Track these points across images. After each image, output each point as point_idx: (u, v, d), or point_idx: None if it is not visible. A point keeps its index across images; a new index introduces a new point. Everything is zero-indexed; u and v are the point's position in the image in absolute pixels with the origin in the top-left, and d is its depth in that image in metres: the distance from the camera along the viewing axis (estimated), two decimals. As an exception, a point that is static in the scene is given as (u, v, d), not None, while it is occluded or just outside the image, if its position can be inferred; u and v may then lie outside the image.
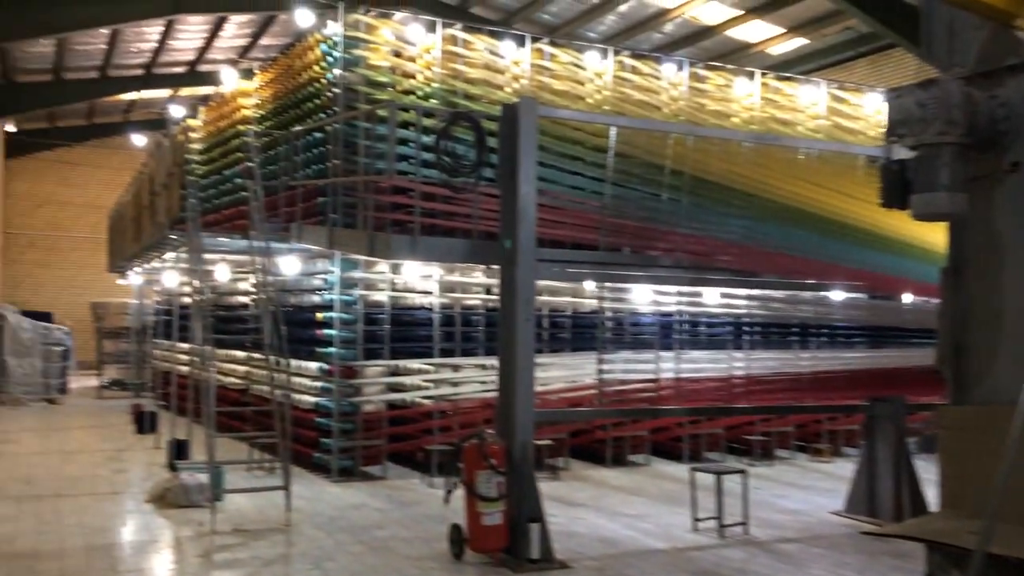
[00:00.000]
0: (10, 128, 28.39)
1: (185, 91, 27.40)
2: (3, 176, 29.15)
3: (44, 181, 31.22)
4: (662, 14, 19.08)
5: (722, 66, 13.64)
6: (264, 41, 22.63)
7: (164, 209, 12.06)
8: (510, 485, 7.81)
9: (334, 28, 11.65)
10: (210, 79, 24.49)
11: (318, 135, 11.71)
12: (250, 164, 11.21)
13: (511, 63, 11.91)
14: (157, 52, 23.43)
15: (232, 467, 10.50)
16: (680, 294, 9.33)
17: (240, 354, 14.96)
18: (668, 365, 8.88)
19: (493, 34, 12.23)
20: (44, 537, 8.53)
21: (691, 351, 9.67)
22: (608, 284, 9.32)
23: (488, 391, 12.22)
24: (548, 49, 12.14)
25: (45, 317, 23.13)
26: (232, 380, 14.78)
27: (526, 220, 8.04)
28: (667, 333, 9.26)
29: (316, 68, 12.03)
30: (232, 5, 19.36)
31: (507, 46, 12.08)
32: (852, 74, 18.92)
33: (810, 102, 13.84)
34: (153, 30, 21.56)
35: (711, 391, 9.17)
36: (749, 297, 9.47)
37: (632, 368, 9.14)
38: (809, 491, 11.58)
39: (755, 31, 19.38)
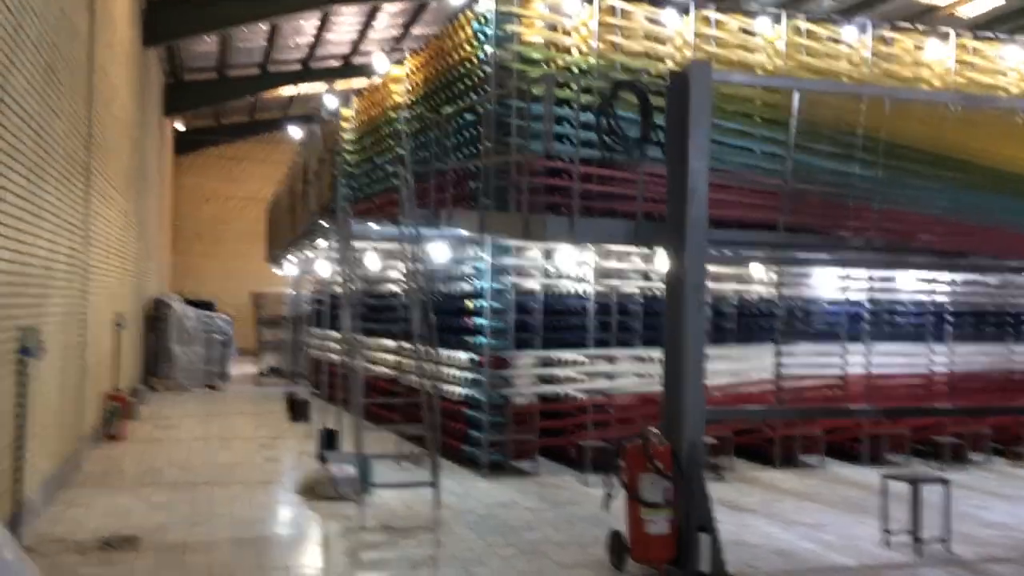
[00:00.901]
0: (179, 126, 29.71)
1: (340, 84, 27.84)
2: (173, 171, 30.55)
3: (210, 176, 32.54)
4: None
5: (911, 27, 12.27)
6: (416, 31, 22.54)
7: (315, 197, 11.92)
8: (677, 490, 7.04)
9: (486, 4, 11.13)
10: (364, 71, 24.75)
11: (469, 117, 11.25)
12: (400, 151, 10.88)
13: (674, 33, 11.05)
14: (314, 46, 23.79)
15: (381, 459, 10.19)
16: (871, 279, 8.22)
17: (390, 343, 14.79)
18: (856, 359, 7.81)
19: (654, 2, 11.39)
20: (195, 528, 8.41)
21: (882, 344, 8.52)
22: (787, 268, 8.38)
23: (647, 385, 11.48)
24: (714, 15, 11.20)
25: (208, 306, 23.94)
26: (382, 370, 14.60)
27: (697, 198, 7.22)
28: (854, 323, 8.19)
29: (467, 47, 11.56)
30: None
31: (669, 14, 11.22)
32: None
33: (1017, 63, 12.25)
34: (309, 24, 21.84)
35: (906, 389, 8.05)
36: (953, 282, 8.25)
37: (813, 362, 8.11)
38: (1014, 502, 10.21)
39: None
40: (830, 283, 8.35)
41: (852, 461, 12.56)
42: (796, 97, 7.57)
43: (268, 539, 8.19)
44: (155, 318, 21.38)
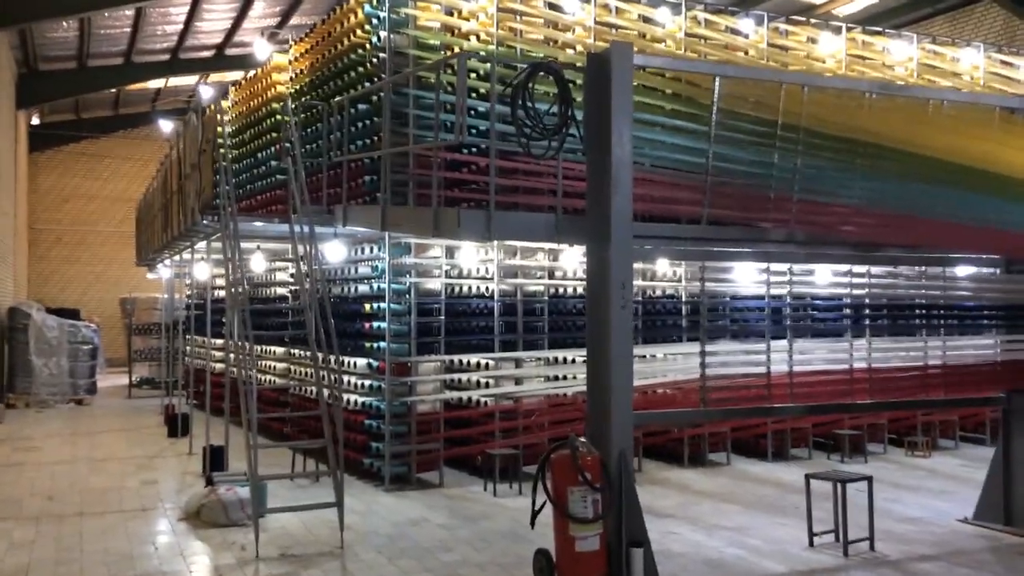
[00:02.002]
0: (35, 120, 27.52)
1: (214, 76, 26.38)
2: (28, 171, 28.29)
3: (70, 175, 30.34)
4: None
5: (806, 20, 12.28)
6: (295, 20, 21.44)
7: (194, 193, 10.90)
8: (608, 503, 6.57)
9: (378, -15, 10.43)
10: (239, 63, 23.48)
11: (363, 107, 10.50)
12: (287, 143, 10.05)
13: (575, 20, 10.61)
14: (183, 35, 22.34)
15: (276, 479, 9.37)
16: (791, 273, 7.98)
17: (278, 350, 13.87)
18: (777, 356, 7.56)
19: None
20: (63, 568, 7.40)
21: (803, 340, 8.31)
22: (710, 263, 8.04)
23: (554, 388, 11.02)
24: (615, 3, 10.81)
25: (72, 314, 22.17)
26: (270, 378, 13.66)
27: (621, 190, 6.75)
28: (775, 319, 7.95)
29: (359, 32, 10.80)
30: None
31: (570, 2, 10.77)
32: (928, 33, 17.42)
33: (904, 57, 12.43)
34: (179, 10, 20.46)
35: (828, 386, 7.84)
36: (869, 275, 8.11)
37: (733, 361, 7.82)
38: (920, 493, 10.25)
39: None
40: (749, 278, 8.06)
41: (758, 457, 12.51)
42: (717, 83, 7.22)
43: (151, 577, 7.27)
44: (11, 328, 19.61)
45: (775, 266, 7.75)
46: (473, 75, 9.61)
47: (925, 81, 12.41)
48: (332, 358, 8.83)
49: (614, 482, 6.68)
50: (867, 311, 8.46)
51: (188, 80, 26.78)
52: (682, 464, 11.78)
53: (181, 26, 21.65)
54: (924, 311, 8.55)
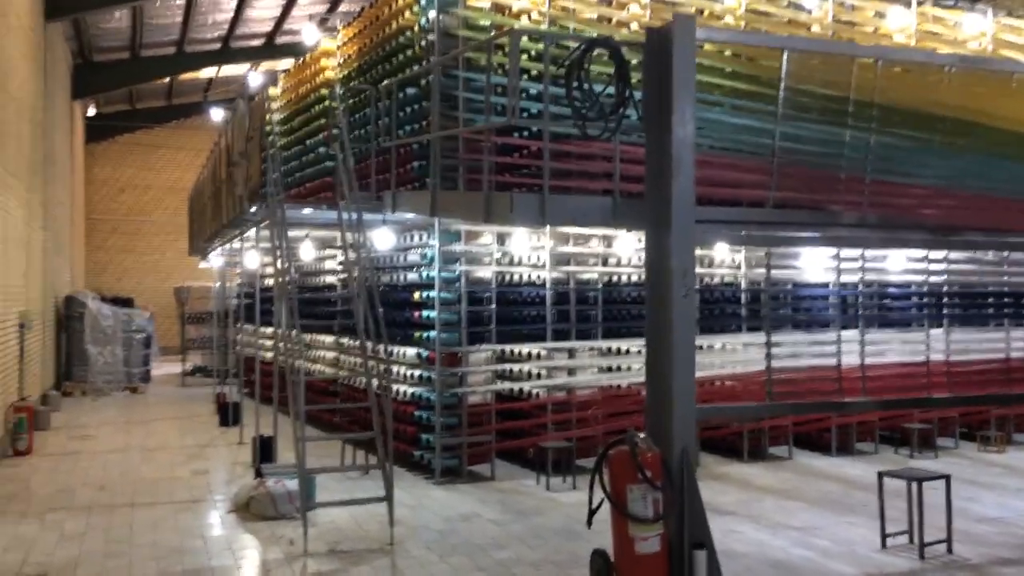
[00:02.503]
0: (91, 112, 27.85)
1: (264, 65, 26.41)
2: (84, 161, 28.68)
3: (125, 165, 30.70)
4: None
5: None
6: (344, 7, 21.29)
7: (243, 182, 10.75)
8: (669, 502, 6.23)
9: (427, -35, 10.15)
10: (289, 51, 23.40)
11: (412, 90, 10.23)
12: (335, 129, 9.85)
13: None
14: (233, 24, 22.32)
15: (326, 472, 9.20)
16: (863, 259, 7.52)
17: (328, 339, 13.73)
18: (849, 348, 7.13)
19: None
20: (112, 562, 7.30)
21: (876, 331, 7.85)
22: (776, 249, 7.63)
23: (609, 379, 10.70)
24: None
25: (127, 303, 22.40)
26: (319, 368, 13.53)
27: (683, 171, 6.39)
28: (845, 309, 7.51)
29: (407, 14, 10.53)
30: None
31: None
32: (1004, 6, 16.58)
33: (977, 32, 11.78)
34: (228, -1, 20.44)
35: (902, 379, 7.39)
36: (947, 260, 7.61)
37: (801, 352, 7.40)
38: (997, 491, 9.71)
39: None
40: (818, 265, 7.61)
41: (821, 451, 12.03)
42: (785, 57, 6.80)
43: (199, 572, 7.11)
44: (68, 317, 19.83)
45: (845, 252, 7.31)
46: (525, 56, 9.29)
47: (1000, 56, 11.75)
48: (381, 347, 8.59)
49: (676, 480, 6.34)
50: (945, 299, 7.96)
51: (239, 69, 26.84)
52: (742, 458, 11.35)
53: (231, 14, 21.63)
54: (1006, 299, 8.02)
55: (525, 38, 8.90)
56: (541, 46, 9.12)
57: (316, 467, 8.57)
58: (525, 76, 9.23)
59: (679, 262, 6.39)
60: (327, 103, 13.12)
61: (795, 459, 11.65)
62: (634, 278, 11.24)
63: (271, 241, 9.42)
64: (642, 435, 6.38)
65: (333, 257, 14.00)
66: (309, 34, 13.89)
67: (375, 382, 8.47)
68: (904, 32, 11.59)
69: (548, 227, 10.43)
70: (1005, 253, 7.78)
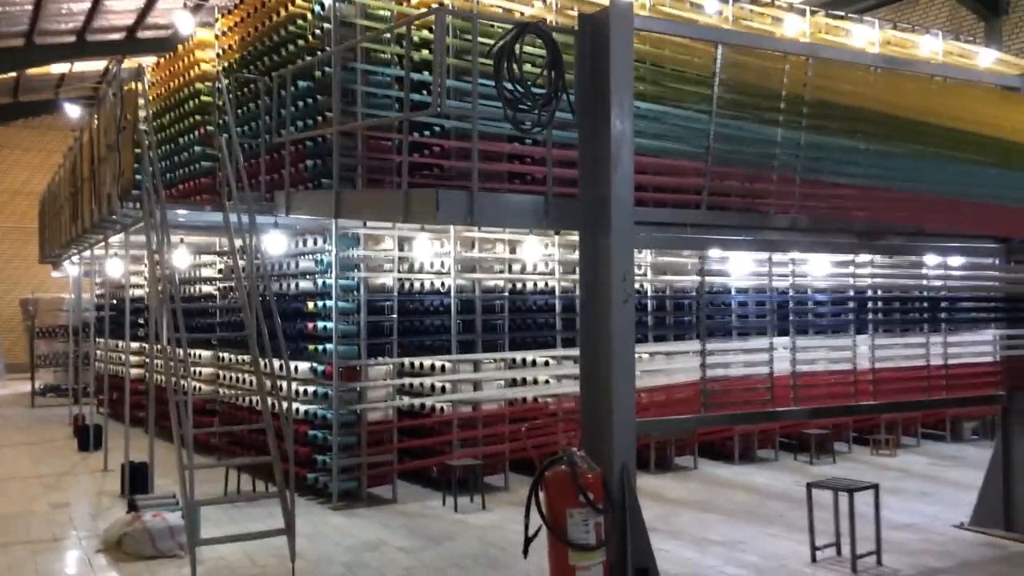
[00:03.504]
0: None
1: (126, 63, 24.61)
2: (-84, 161, 26.07)
3: (-36, 166, 28.14)
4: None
5: (770, 1, 11.76)
6: (211, 8, 20.00)
7: (111, 178, 9.65)
8: (611, 526, 5.75)
9: (321, -53, 9.41)
10: (154, 46, 21.87)
11: (304, 84, 9.44)
12: (221, 121, 8.97)
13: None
14: (91, 14, 20.62)
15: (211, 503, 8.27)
16: (792, 264, 7.30)
17: (206, 354, 12.64)
18: (777, 354, 6.88)
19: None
20: (-39, 619, 6.22)
21: (803, 337, 7.66)
22: (709, 253, 7.30)
23: (515, 393, 10.18)
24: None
25: (-34, 316, 20.32)
26: (196, 385, 12.42)
27: (621, 168, 5.96)
28: (771, 314, 7.27)
29: (298, 1, 9.74)
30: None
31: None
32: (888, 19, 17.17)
33: (865, 42, 11.99)
34: (86, -15, 18.85)
35: (831, 387, 7.21)
36: (872, 264, 7.50)
37: (731, 361, 7.10)
38: (902, 496, 9.73)
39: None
40: (745, 269, 7.35)
41: (724, 460, 11.91)
42: (719, 52, 6.48)
43: (68, 627, 6.13)
44: None
45: (776, 256, 7.07)
46: (425, 51, 8.70)
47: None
48: (279, 363, 7.77)
49: (617, 502, 5.88)
50: (870, 305, 7.85)
51: (95, 65, 24.94)
52: (648, 470, 11.04)
53: (89, 4, 19.97)
54: (924, 304, 7.99)
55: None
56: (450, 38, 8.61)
57: (204, 498, 7.64)
58: (425, 71, 8.65)
59: (618, 266, 5.95)
60: (202, 98, 12.12)
61: (700, 468, 11.48)
62: (540, 285, 10.79)
63: (147, 245, 8.42)
64: (580, 453, 5.88)
65: (211, 264, 12.93)
66: (183, 22, 12.83)
67: (271, 401, 7.63)
68: (800, 39, 11.67)
69: (452, 230, 9.85)
70: (922, 256, 7.72)
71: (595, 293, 6.07)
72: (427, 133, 8.67)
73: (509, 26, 5.97)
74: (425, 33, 9.24)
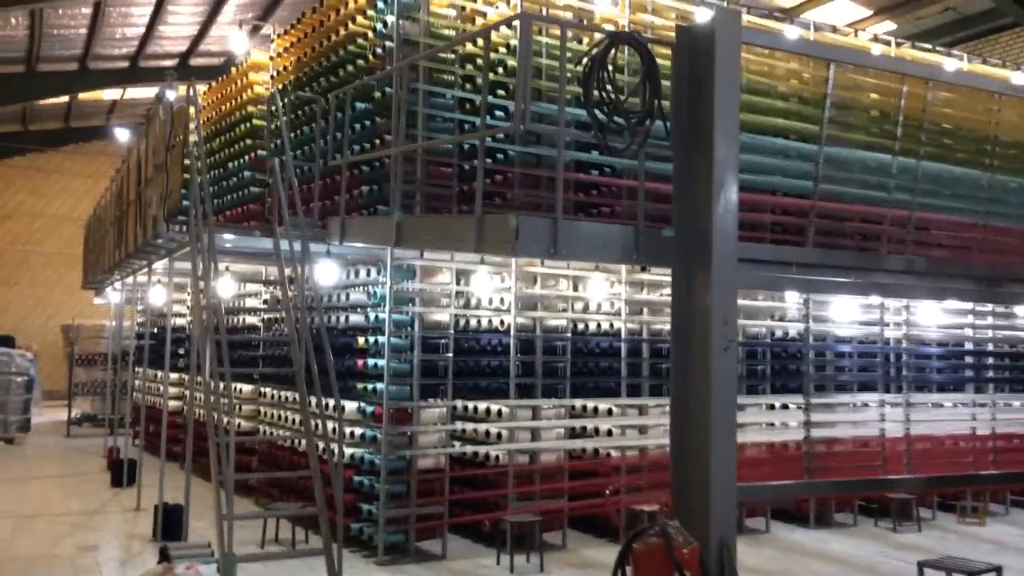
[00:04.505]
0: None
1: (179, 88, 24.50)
2: (-34, 183, 26.14)
3: (14, 190, 28.14)
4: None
5: (852, 31, 11.10)
6: (268, 29, 19.74)
7: (157, 199, 9.16)
8: (706, 608, 4.97)
9: (385, -36, 8.94)
10: (205, 73, 21.68)
11: (361, 105, 8.91)
12: (275, 142, 8.46)
13: (612, 8, 9.16)
14: (145, 40, 20.53)
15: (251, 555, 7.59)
16: (906, 312, 6.52)
17: (246, 388, 12.05)
18: (888, 413, 6.07)
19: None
20: None
21: (916, 394, 6.83)
22: (817, 297, 6.56)
23: (579, 443, 9.42)
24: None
25: (6, 341, 20.01)
26: (237, 421, 11.80)
27: (725, 198, 5.26)
28: (885, 369, 6.48)
29: (359, 19, 9.25)
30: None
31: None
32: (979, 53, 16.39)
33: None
34: (141, 10, 18.69)
35: (946, 450, 6.37)
36: (993, 315, 6.69)
37: (838, 419, 6.30)
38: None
39: (838, 13, 16.81)
40: (847, 315, 6.58)
41: (797, 522, 10.95)
42: (831, 71, 5.80)
43: None
44: (-66, 356, 17.46)
45: (889, 302, 6.32)
46: (501, 69, 8.11)
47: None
48: (331, 402, 7.12)
49: (714, 580, 5.10)
50: (991, 360, 7.02)
51: (148, 92, 24.87)
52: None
53: (143, 30, 19.85)
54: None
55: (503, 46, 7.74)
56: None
57: (243, 554, 6.95)
58: (502, 92, 8.07)
59: (720, 308, 5.23)
60: (254, 121, 11.67)
61: (773, 532, 10.53)
62: (604, 326, 10.05)
63: (192, 271, 7.86)
64: (674, 523, 5.12)
65: (256, 294, 12.39)
66: (237, 43, 12.40)
67: (320, 444, 6.96)
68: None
69: (514, 263, 9.19)
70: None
71: (691, 338, 5.35)
72: (489, 161, 8.07)
73: (592, 38, 5.35)
74: (492, 54, 8.71)
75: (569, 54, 8.44)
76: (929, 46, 11.98)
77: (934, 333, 6.70)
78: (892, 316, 6.42)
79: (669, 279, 9.70)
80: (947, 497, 11.99)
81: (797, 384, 9.02)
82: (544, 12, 8.60)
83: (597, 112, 5.24)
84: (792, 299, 8.97)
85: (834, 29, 10.97)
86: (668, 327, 9.91)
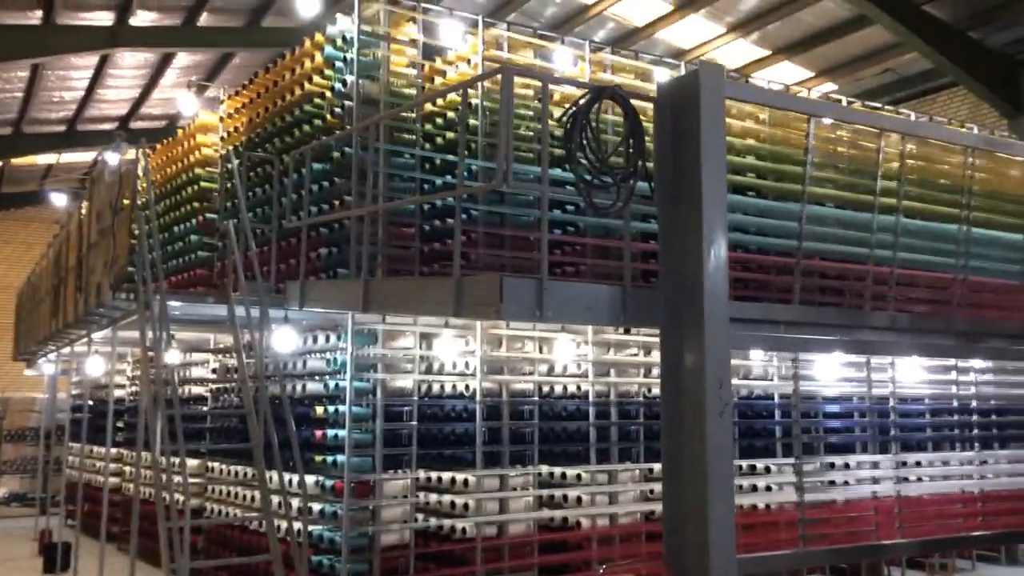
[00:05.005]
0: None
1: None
2: None
3: (-61, 258, 27.03)
4: (680, 54, 16.67)
5: (807, 92, 11.23)
6: (211, 92, 19.44)
7: (102, 265, 8.69)
8: None
9: (345, 24, 8.76)
10: (147, 137, 21.22)
11: (319, 166, 8.63)
12: (212, 215, 8.12)
13: (571, 67, 9.10)
14: (83, 103, 20.04)
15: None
16: (892, 369, 6.38)
17: (192, 462, 11.41)
18: (879, 474, 5.89)
19: (543, 37, 9.45)
20: None
21: (905, 454, 6.67)
22: (803, 355, 6.39)
23: (550, 513, 9.06)
24: (610, 58, 9.39)
25: (-72, 416, 18.93)
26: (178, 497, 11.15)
27: (715, 254, 5.07)
28: (875, 429, 6.31)
29: (316, 79, 9.02)
30: (188, 39, 16.14)
31: (563, 52, 9.29)
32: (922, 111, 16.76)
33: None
34: (80, 73, 18.24)
35: (937, 512, 6.20)
36: (974, 371, 6.60)
37: (827, 482, 6.10)
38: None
39: (783, 74, 17.15)
40: (831, 374, 6.42)
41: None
42: (811, 125, 5.72)
43: None
44: None
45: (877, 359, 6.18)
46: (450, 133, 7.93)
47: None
48: (294, 478, 6.68)
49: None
50: (975, 417, 6.91)
51: (85, 156, 24.23)
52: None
53: (82, 93, 19.38)
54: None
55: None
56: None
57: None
58: (467, 151, 7.86)
59: (713, 371, 4.99)
60: (202, 183, 11.29)
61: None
62: (571, 388, 9.76)
63: (140, 341, 7.40)
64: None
65: (203, 364, 11.85)
66: (186, 104, 12.08)
67: (282, 523, 6.50)
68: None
69: (479, 326, 8.90)
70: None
71: (682, 404, 5.10)
72: (450, 221, 7.84)
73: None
74: (451, 114, 8.54)
75: (531, 112, 8.40)
76: (879, 104, 12.21)
77: (920, 390, 6.57)
78: (877, 374, 6.27)
79: (635, 338, 9.68)
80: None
81: (767, 444, 8.90)
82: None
83: (581, 169, 5.04)
84: (757, 356, 8.88)
85: (787, 88, 11.07)
86: (636, 388, 9.83)
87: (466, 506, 8.70)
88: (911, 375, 6.55)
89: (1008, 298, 6.22)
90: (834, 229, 5.80)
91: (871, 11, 13.46)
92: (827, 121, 6.29)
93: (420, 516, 8.80)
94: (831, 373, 6.43)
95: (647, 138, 5.30)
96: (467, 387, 9.12)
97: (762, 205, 5.79)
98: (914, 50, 14.50)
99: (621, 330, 8.94)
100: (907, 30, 13.62)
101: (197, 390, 11.83)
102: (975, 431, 6.99)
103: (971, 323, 6.25)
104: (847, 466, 6.29)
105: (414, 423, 8.70)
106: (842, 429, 6.80)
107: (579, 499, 9.21)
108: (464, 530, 8.67)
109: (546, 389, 9.71)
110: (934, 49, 13.91)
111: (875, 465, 5.86)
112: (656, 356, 9.69)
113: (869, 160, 5.89)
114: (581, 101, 5.13)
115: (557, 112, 6.06)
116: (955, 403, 6.63)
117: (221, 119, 11.18)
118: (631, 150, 5.19)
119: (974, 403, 6.93)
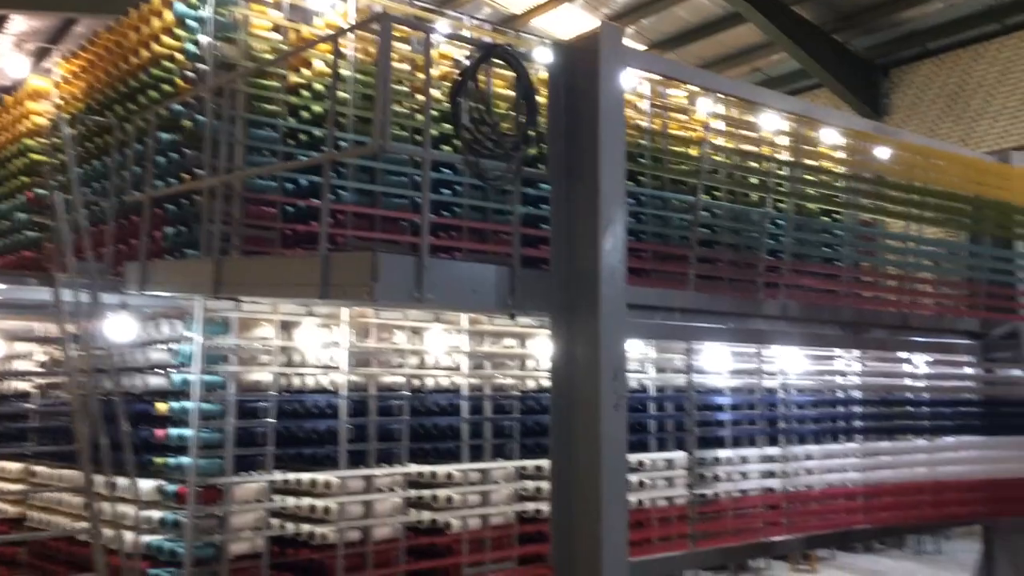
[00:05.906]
0: None
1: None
2: None
3: None
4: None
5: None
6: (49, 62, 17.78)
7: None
8: None
9: (196, -21, 7.90)
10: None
11: (168, 136, 7.74)
12: (59, 178, 7.16)
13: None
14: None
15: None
16: (781, 358, 6.17)
17: (14, 467, 10.19)
18: (766, 467, 5.65)
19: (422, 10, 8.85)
20: None
21: (795, 446, 6.47)
22: (696, 344, 6.05)
23: (423, 517, 8.48)
24: (493, 35, 8.89)
25: None
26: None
27: (613, 235, 4.64)
28: (765, 421, 6.08)
29: (166, 40, 8.12)
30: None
31: (443, 27, 8.72)
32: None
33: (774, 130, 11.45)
34: None
35: (824, 507, 6.03)
36: (862, 361, 6.49)
37: (720, 475, 5.81)
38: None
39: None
40: (718, 364, 6.15)
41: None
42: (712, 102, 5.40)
43: None
44: None
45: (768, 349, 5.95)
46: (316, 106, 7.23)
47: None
48: (130, 482, 5.84)
49: None
50: (858, 408, 6.78)
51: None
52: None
53: None
54: (906, 408, 7.02)
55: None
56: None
57: None
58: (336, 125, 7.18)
59: (608, 361, 4.56)
60: (32, 155, 10.12)
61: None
62: (444, 382, 9.19)
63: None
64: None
65: (27, 356, 10.61)
66: (16, 66, 10.79)
67: (112, 533, 5.66)
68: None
69: (346, 314, 8.22)
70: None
71: (574, 396, 4.64)
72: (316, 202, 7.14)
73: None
74: (319, 86, 7.84)
75: (406, 88, 7.80)
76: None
77: (805, 382, 6.39)
78: (767, 365, 6.05)
79: (513, 329, 9.21)
80: (780, 549, 12.00)
81: (642, 439, 8.64)
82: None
83: (468, 135, 4.50)
84: (635, 346, 8.59)
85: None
86: (510, 381, 9.37)
87: (327, 510, 8.01)
88: (799, 366, 6.38)
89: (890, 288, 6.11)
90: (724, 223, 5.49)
91: (744, 8, 13.56)
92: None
93: (276, 522, 8.04)
94: (720, 365, 6.16)
95: (540, 105, 4.82)
96: (331, 381, 8.41)
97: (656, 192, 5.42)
98: (782, 50, 14.75)
99: (498, 320, 8.45)
100: (777, 29, 13.81)
101: (20, 385, 10.59)
102: (859, 423, 6.89)
103: (858, 313, 6.11)
104: (744, 460, 6.02)
105: (271, 420, 7.92)
106: (731, 422, 6.57)
107: (450, 499, 8.68)
108: (324, 536, 7.98)
109: (417, 383, 9.10)
110: (801, 50, 14.16)
111: (767, 459, 5.59)
112: (533, 348, 9.37)
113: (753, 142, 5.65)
114: (471, 63, 4.59)
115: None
116: (840, 394, 6.49)
117: (56, 84, 10.03)
118: (522, 116, 4.69)
119: (858, 394, 6.82)
